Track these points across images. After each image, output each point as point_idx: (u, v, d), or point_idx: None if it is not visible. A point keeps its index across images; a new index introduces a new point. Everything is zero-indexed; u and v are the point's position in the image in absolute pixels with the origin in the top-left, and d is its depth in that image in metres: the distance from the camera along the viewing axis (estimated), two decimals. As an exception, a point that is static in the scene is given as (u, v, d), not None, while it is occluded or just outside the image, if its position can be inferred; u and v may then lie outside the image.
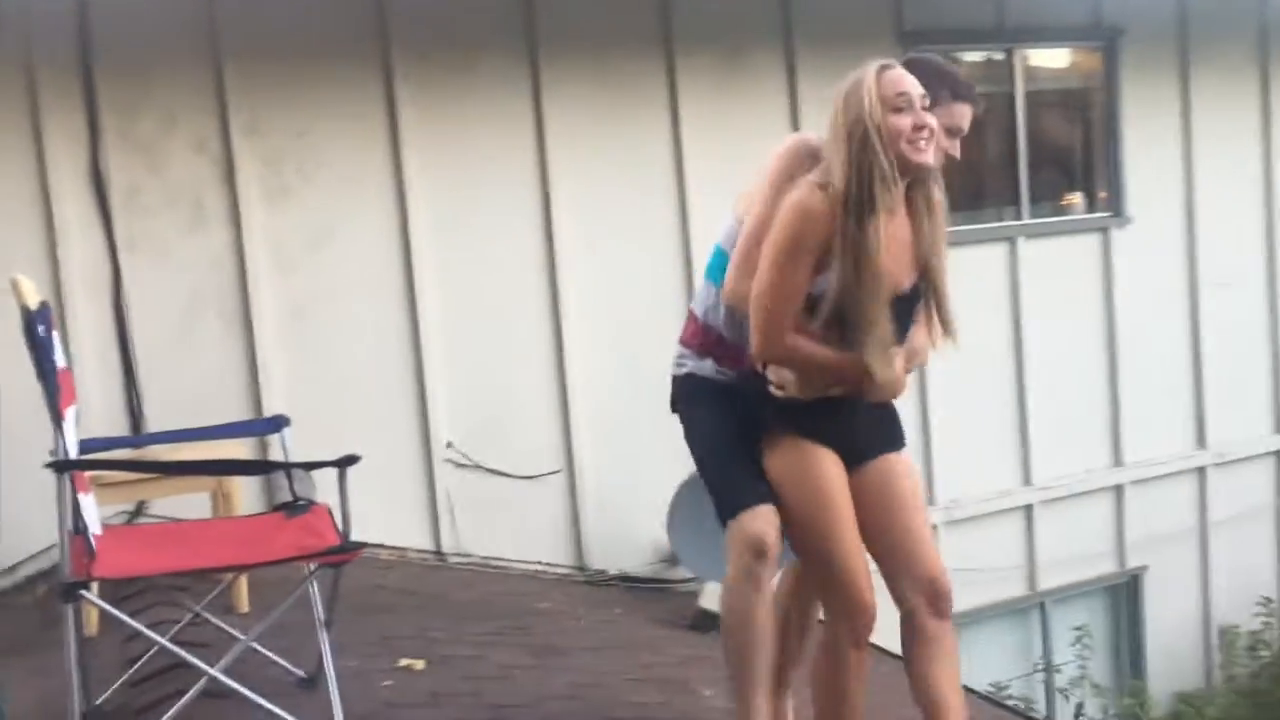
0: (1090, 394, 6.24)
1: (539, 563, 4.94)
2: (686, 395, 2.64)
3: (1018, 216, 6.03)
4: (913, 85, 2.26)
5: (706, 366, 2.61)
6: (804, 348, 2.31)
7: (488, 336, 4.90)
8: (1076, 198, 6.48)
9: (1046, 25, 5.98)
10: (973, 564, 5.56)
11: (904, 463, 2.50)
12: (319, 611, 2.65)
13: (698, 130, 5.17)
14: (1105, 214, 6.27)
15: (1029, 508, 6.08)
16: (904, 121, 2.22)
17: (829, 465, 2.40)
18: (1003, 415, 5.98)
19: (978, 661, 5.69)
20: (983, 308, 5.91)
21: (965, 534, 5.78)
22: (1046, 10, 5.83)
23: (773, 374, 2.40)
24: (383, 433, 4.69)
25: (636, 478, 5.03)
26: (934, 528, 5.75)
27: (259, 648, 2.83)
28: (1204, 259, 6.37)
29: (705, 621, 4.44)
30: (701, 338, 2.62)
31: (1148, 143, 6.26)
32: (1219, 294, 6.41)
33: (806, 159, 2.39)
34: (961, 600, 5.87)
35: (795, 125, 5.36)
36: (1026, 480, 6.07)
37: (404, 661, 3.21)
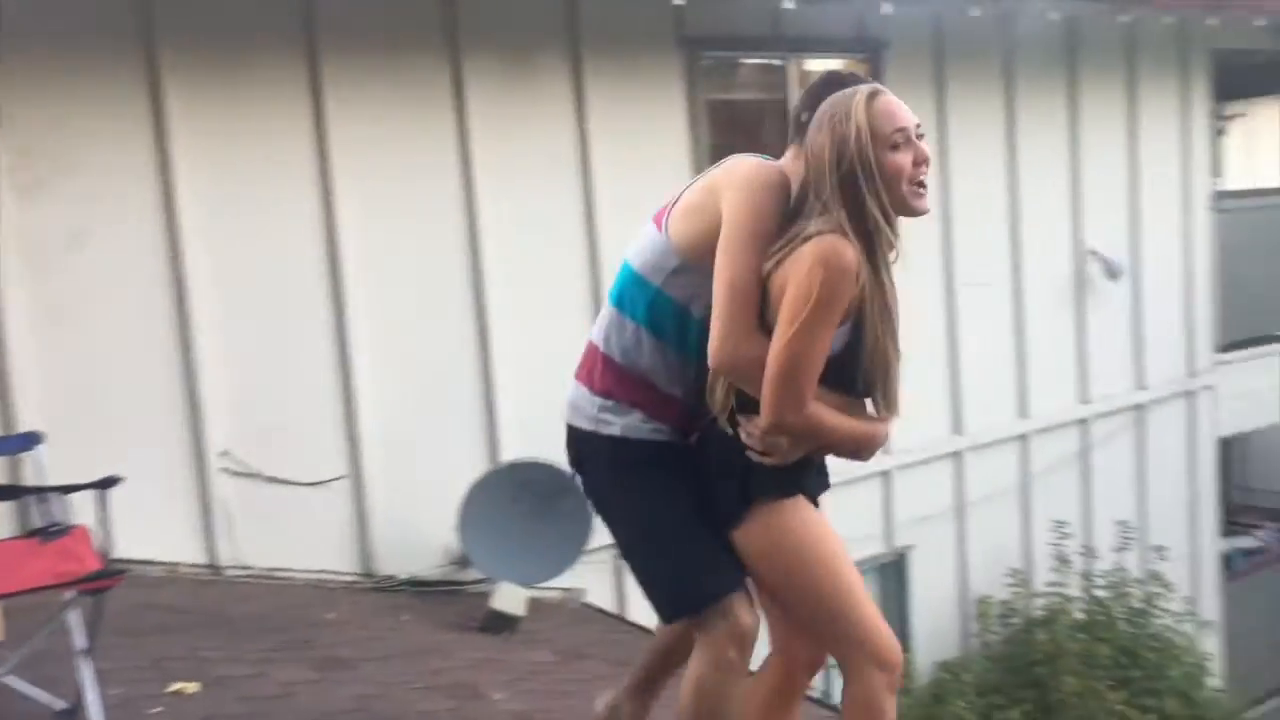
0: (861, 386, 6.60)
1: (324, 571, 4.81)
2: (617, 463, 2.24)
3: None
4: (909, 116, 2.04)
5: (636, 423, 2.22)
6: (825, 417, 2.05)
7: (266, 339, 4.72)
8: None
9: (818, 36, 6.28)
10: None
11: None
12: (78, 639, 2.52)
13: (485, 130, 5.15)
14: (873, 216, 6.64)
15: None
16: (903, 160, 2.01)
17: (824, 519, 2.20)
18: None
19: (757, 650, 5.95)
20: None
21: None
22: (818, 22, 6.12)
23: (756, 438, 2.09)
24: (151, 443, 4.45)
25: (425, 479, 4.99)
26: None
27: (14, 680, 2.65)
28: (959, 260, 6.87)
29: (496, 622, 4.45)
30: (623, 384, 2.23)
31: (910, 150, 6.67)
32: (973, 293, 6.93)
33: (786, 198, 2.13)
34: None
35: (582, 128, 5.43)
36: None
37: (175, 686, 3.08)
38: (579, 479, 2.37)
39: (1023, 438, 7.28)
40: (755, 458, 2.10)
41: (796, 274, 1.97)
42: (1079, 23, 7.07)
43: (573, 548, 4.86)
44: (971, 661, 6.60)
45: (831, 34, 6.33)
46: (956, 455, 6.97)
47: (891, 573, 6.87)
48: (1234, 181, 12.26)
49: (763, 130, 6.48)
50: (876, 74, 6.50)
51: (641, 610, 5.40)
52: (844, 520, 6.65)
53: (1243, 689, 7.57)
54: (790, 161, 2.24)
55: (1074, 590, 6.88)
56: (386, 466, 4.94)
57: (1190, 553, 8.11)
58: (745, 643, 2.15)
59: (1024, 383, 7.22)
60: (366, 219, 4.88)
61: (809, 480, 2.20)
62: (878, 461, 6.58)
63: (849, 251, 1.96)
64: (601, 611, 5.16)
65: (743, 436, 2.10)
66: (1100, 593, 6.88)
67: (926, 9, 6.28)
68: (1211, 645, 7.67)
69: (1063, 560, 6.92)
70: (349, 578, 4.88)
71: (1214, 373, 8.19)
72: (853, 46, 6.49)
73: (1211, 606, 8.12)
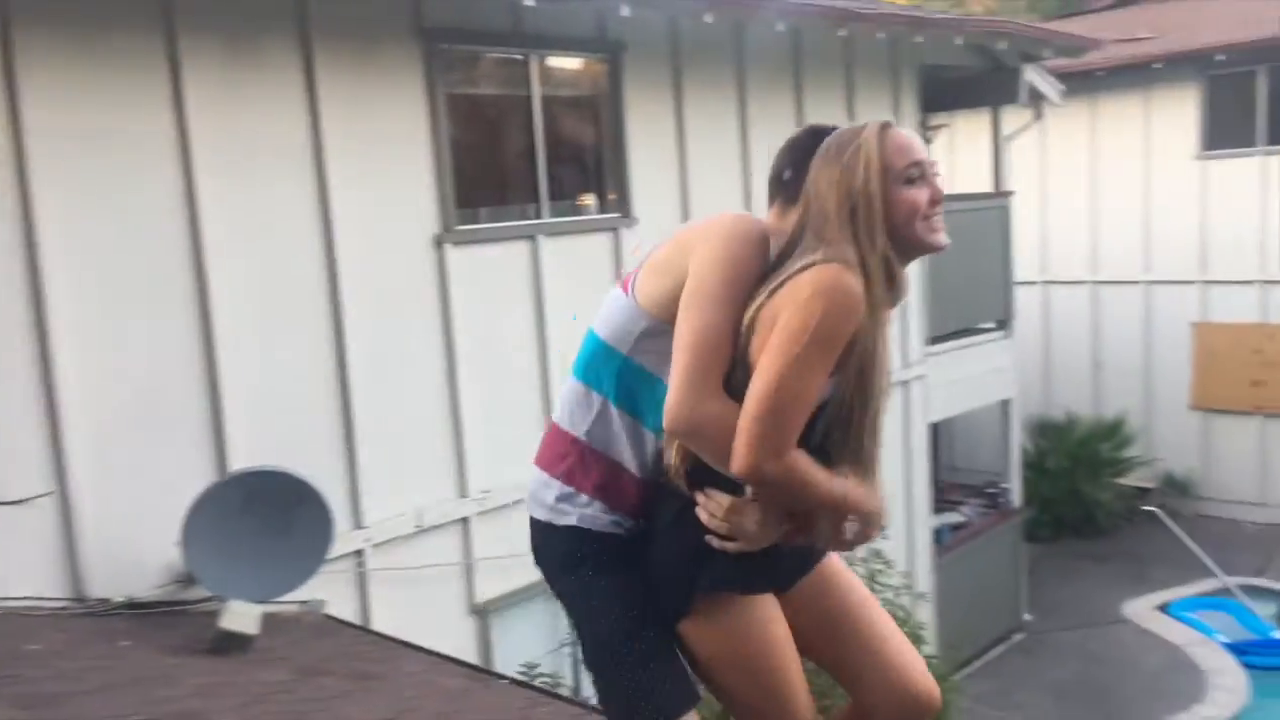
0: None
1: (26, 598, 4.35)
2: (573, 558, 2.03)
3: (538, 215, 6.31)
4: (923, 149, 1.90)
5: (597, 514, 2.02)
6: (809, 469, 1.79)
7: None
8: (591, 198, 6.92)
9: (559, 34, 6.29)
10: (507, 550, 5.76)
11: (833, 560, 2.11)
12: None
13: (206, 121, 4.81)
14: (615, 215, 6.76)
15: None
16: (919, 196, 1.84)
17: (774, 621, 1.97)
18: (533, 403, 6.24)
19: (513, 646, 5.92)
20: (507, 302, 6.14)
21: (498, 521, 5.96)
22: (559, 20, 6.14)
23: (718, 519, 1.85)
24: None
25: (144, 493, 4.61)
26: (466, 520, 5.89)
27: None
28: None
29: (227, 643, 4.18)
30: (587, 468, 2.02)
31: (650, 149, 6.83)
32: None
33: (765, 253, 1.94)
34: (498, 586, 6.10)
35: (315, 120, 5.18)
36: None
37: None
38: (544, 577, 2.15)
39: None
40: (715, 543, 1.86)
41: (792, 302, 1.75)
42: (803, 34, 7.47)
43: (311, 560, 4.64)
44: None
45: (572, 33, 6.36)
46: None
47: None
48: (943, 187, 13.38)
49: (506, 126, 6.44)
50: (615, 75, 6.61)
51: (388, 618, 5.26)
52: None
53: (953, 654, 8.27)
54: (773, 220, 2.07)
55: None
56: (99, 480, 4.53)
57: (907, 530, 8.77)
58: None
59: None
60: (68, 212, 4.45)
61: (776, 572, 1.97)
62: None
63: (854, 282, 1.75)
64: (343, 623, 4.95)
65: (702, 516, 1.87)
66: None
67: (663, 13, 6.43)
68: (926, 615, 8.33)
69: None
70: (57, 604, 4.44)
71: (925, 363, 8.88)
72: (593, 46, 6.55)
73: (925, 579, 8.82)
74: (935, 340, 9.05)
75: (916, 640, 7.20)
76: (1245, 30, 11.50)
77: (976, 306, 9.77)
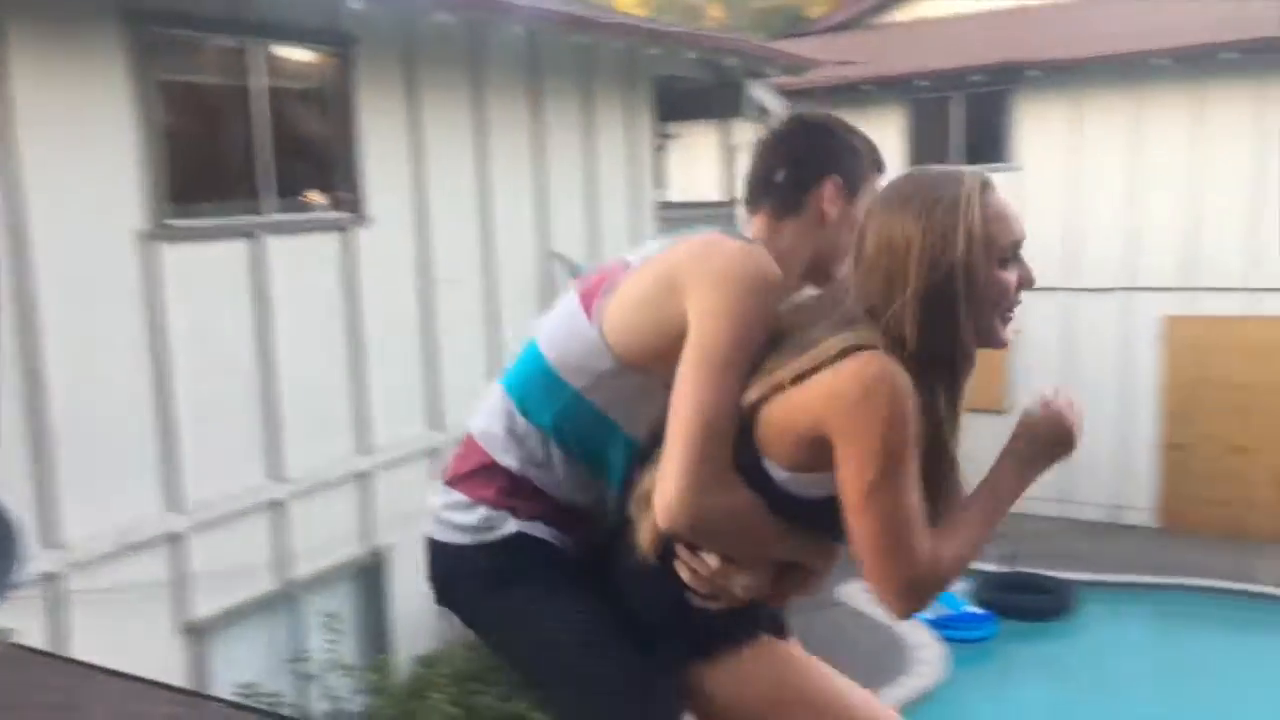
0: (338, 385, 6.49)
1: None
2: (510, 577, 1.73)
3: (261, 212, 6.02)
4: (1022, 225, 1.54)
5: (532, 525, 1.74)
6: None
7: None
8: (320, 196, 6.67)
9: (285, 23, 6.03)
10: (224, 565, 5.46)
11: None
12: None
13: None
14: (346, 213, 6.55)
15: (279, 502, 6.13)
16: (1010, 280, 1.51)
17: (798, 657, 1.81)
18: (250, 411, 5.94)
19: (232, 666, 5.61)
20: (225, 303, 5.81)
21: (216, 536, 5.64)
22: (284, 7, 5.88)
23: (704, 577, 1.63)
24: None
25: None
26: (178, 535, 5.53)
27: None
28: (436, 258, 6.99)
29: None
30: (519, 495, 1.74)
31: (385, 148, 6.67)
32: (449, 290, 7.10)
33: (779, 299, 1.62)
34: (216, 603, 5.76)
35: (5, 103, 4.71)
36: (278, 474, 6.12)
37: None
38: (451, 613, 1.85)
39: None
40: (697, 601, 1.66)
41: (837, 413, 1.46)
42: (541, 38, 7.52)
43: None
44: (447, 653, 6.76)
45: (299, 22, 6.11)
46: (435, 452, 7.10)
47: (372, 574, 6.83)
48: (676, 193, 13.86)
49: (227, 117, 6.10)
50: (347, 69, 6.41)
51: (89, 644, 4.86)
52: (323, 526, 6.52)
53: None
54: (762, 233, 1.75)
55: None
56: None
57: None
58: None
59: (496, 378, 7.52)
60: None
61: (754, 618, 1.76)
62: (357, 462, 6.57)
63: (900, 373, 1.45)
64: (35, 652, 4.53)
65: (683, 574, 1.65)
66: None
67: (395, 7, 6.29)
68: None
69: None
70: None
71: (660, 365, 9.16)
72: (322, 38, 6.32)
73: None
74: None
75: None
76: (944, 59, 12.61)
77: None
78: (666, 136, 11.16)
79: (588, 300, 1.72)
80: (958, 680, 9.03)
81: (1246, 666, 9.11)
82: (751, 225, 1.77)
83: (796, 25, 18.02)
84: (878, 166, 1.77)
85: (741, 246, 1.63)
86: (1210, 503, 11.76)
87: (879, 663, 9.49)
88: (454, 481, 1.80)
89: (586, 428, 1.72)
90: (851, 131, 1.78)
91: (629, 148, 8.71)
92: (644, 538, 1.64)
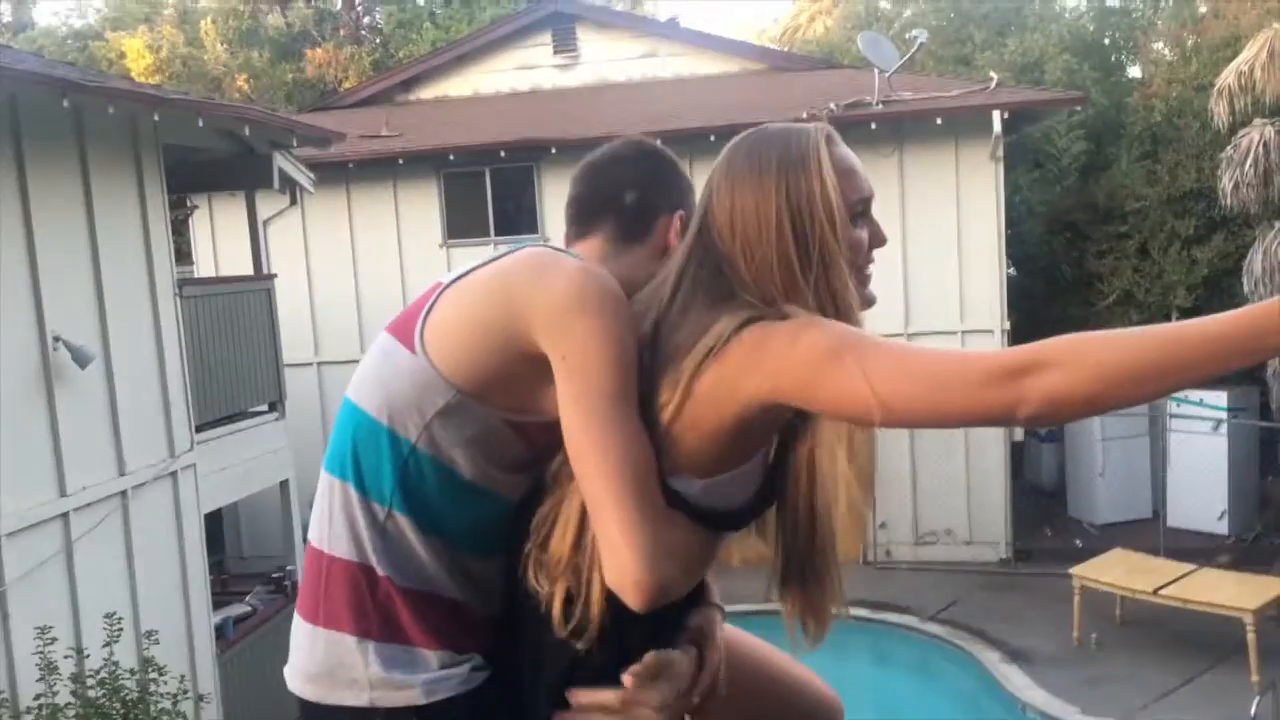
0: None
1: None
2: None
3: None
4: (868, 178, 1.45)
5: (445, 672, 1.43)
6: None
7: None
8: None
9: None
10: None
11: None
12: None
13: None
14: None
15: None
16: (862, 238, 1.43)
17: None
18: None
19: None
20: None
21: None
22: None
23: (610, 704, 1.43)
24: None
25: None
26: None
27: None
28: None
29: None
30: (411, 611, 1.43)
31: None
32: None
33: (629, 314, 1.44)
34: None
35: None
36: None
37: None
38: None
39: (-7, 543, 6.63)
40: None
41: (793, 367, 1.30)
42: (26, 101, 6.79)
43: None
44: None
45: None
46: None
47: None
48: (204, 268, 13.08)
49: None
50: None
51: None
52: None
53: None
54: (600, 258, 1.58)
55: (65, 697, 6.44)
56: None
57: (186, 630, 8.26)
58: None
59: (-9, 483, 6.60)
60: None
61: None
62: None
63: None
64: None
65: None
66: (93, 693, 6.57)
67: None
68: (211, 717, 7.90)
69: (50, 668, 6.44)
70: None
71: (193, 452, 8.50)
72: None
73: (208, 679, 8.37)
74: (204, 427, 8.73)
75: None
76: (472, 136, 13.11)
77: (246, 389, 9.66)
78: (187, 208, 10.51)
79: (404, 331, 1.48)
80: None
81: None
82: (578, 245, 1.63)
83: (325, 99, 17.86)
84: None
85: (580, 265, 1.47)
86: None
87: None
88: (316, 617, 1.49)
89: (435, 492, 1.45)
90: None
91: (139, 221, 8.05)
92: (561, 613, 1.42)
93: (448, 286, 1.51)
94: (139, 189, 8.04)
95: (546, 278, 1.44)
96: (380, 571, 1.45)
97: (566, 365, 1.39)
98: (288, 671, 1.54)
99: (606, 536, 1.36)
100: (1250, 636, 8.92)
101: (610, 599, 1.38)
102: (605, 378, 1.38)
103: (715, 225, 1.42)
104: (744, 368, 1.33)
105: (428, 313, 1.49)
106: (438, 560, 1.45)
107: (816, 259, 1.37)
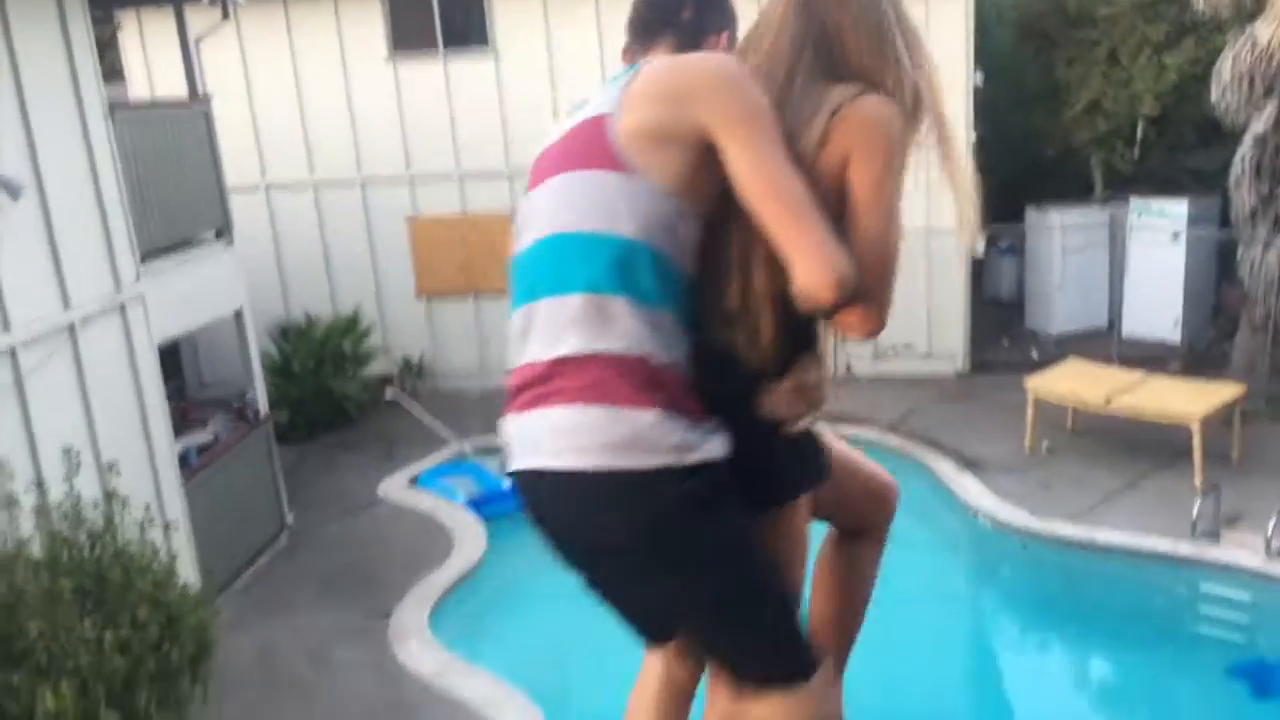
0: None
1: None
2: (704, 501, 1.71)
3: None
4: None
5: (715, 436, 1.76)
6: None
7: None
8: None
9: None
10: None
11: None
12: None
13: None
14: None
15: None
16: None
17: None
18: None
19: None
20: None
21: None
22: None
23: (803, 394, 1.84)
24: None
25: None
26: None
27: None
28: None
29: None
30: (681, 390, 1.75)
31: None
32: None
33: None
34: None
35: None
36: None
37: None
38: (649, 551, 1.75)
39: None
40: (799, 426, 1.85)
41: (861, 143, 1.75)
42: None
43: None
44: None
45: None
46: None
47: None
48: (139, 90, 12.46)
49: None
50: None
51: None
52: None
53: (211, 578, 8.09)
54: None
55: (29, 530, 6.47)
56: None
57: (149, 461, 8.26)
58: None
59: (-72, 320, 6.40)
60: None
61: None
62: None
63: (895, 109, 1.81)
64: None
65: (779, 402, 1.81)
66: (57, 526, 6.59)
67: None
68: (181, 543, 7.99)
69: (11, 502, 6.43)
70: None
71: (140, 283, 8.28)
72: None
73: (175, 507, 8.43)
74: (149, 257, 8.48)
75: (167, 572, 6.90)
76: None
77: (191, 217, 9.36)
78: (114, 23, 9.89)
79: (603, 161, 1.75)
80: (499, 554, 9.41)
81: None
82: (641, 59, 1.89)
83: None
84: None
85: (708, 53, 1.85)
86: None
87: (424, 549, 9.65)
88: (618, 399, 1.71)
89: (677, 282, 1.78)
90: None
91: (63, 44, 7.56)
92: (750, 344, 1.80)
93: (606, 116, 1.78)
94: (58, 5, 7.52)
95: (692, 70, 1.76)
96: (658, 359, 1.76)
97: (734, 125, 1.70)
98: (560, 455, 1.76)
99: (797, 248, 1.69)
100: (1196, 441, 9.19)
101: (777, 330, 1.79)
102: (769, 130, 1.71)
103: (848, 15, 1.84)
104: (844, 133, 1.75)
105: (608, 146, 1.77)
106: (685, 341, 1.80)
107: (898, 35, 1.86)
